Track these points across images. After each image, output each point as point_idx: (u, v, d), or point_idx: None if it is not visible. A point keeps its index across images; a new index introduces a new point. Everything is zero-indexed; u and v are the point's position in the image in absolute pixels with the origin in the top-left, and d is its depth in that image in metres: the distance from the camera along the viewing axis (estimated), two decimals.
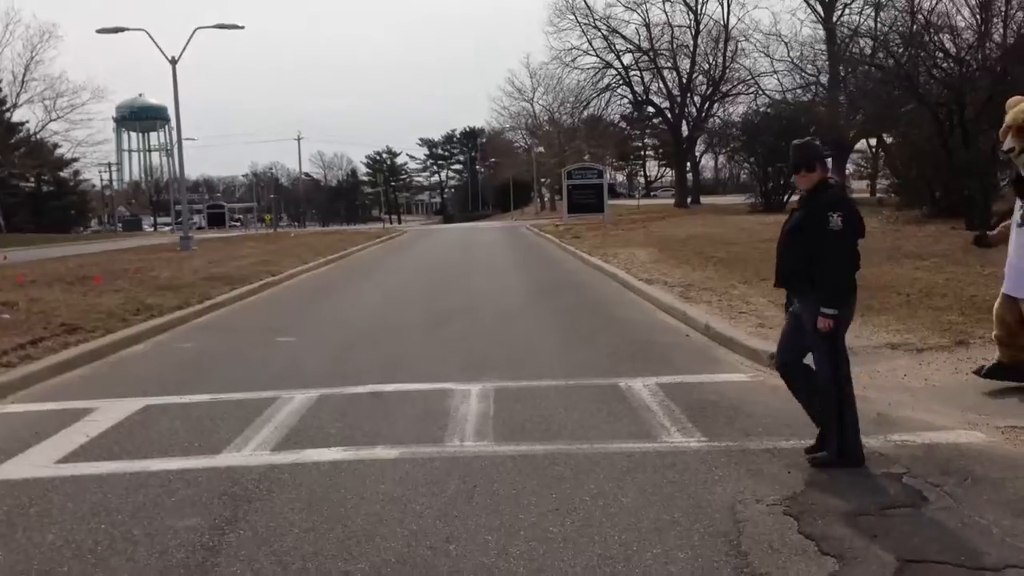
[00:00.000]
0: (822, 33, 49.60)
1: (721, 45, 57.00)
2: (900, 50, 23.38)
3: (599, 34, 58.65)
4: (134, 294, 15.30)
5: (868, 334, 9.15)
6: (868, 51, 35.66)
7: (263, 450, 6.23)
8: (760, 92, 54.44)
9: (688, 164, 64.36)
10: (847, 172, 55.09)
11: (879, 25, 38.11)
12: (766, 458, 5.65)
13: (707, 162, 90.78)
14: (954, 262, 14.21)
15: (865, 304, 10.76)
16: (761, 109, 48.83)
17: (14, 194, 75.82)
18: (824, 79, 48.71)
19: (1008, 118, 6.70)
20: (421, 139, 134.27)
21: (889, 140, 35.83)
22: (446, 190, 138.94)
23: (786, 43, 53.56)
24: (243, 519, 4.90)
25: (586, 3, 58.25)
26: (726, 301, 12.11)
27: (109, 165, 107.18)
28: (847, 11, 49.23)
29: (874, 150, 56.85)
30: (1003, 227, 7.08)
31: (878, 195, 43.86)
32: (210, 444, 6.43)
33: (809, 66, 49.22)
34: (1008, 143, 6.73)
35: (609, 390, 7.73)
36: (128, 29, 31.70)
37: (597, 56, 59.19)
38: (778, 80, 53.48)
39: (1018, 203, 6.78)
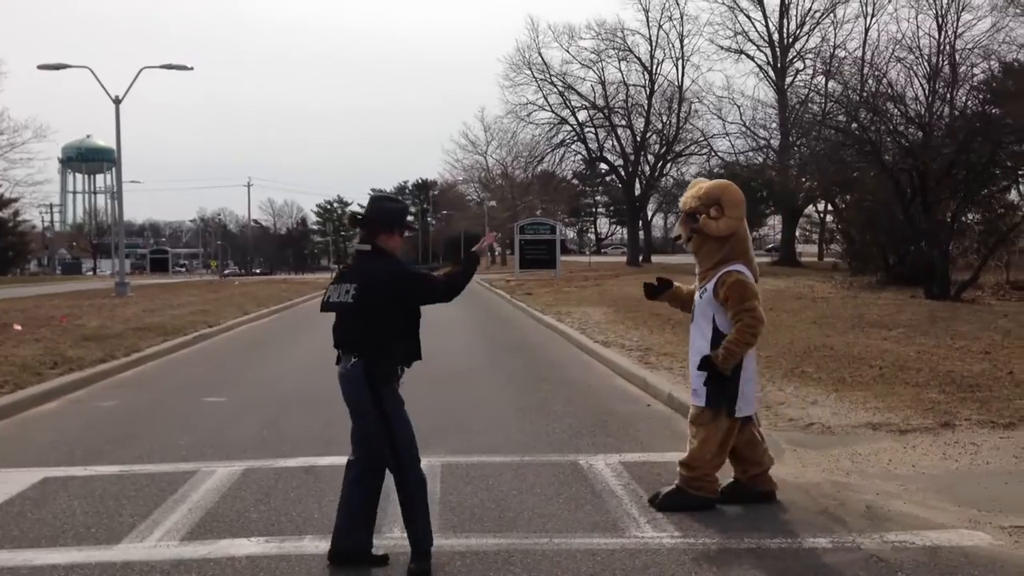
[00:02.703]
0: (773, 97, 50.32)
1: (675, 105, 57.54)
2: (863, 114, 23.39)
3: (555, 90, 58.97)
4: (55, 344, 14.25)
5: (845, 411, 8.55)
6: (819, 116, 36.05)
7: (171, 539, 5.36)
8: (713, 153, 54.92)
9: (640, 222, 64.49)
10: (795, 236, 55.61)
11: (830, 92, 38.68)
12: (751, 561, 4.94)
13: (658, 221, 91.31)
14: (922, 333, 13.80)
15: (838, 377, 10.26)
16: (715, 170, 49.16)
17: None
18: (775, 143, 49.25)
19: (681, 201, 6.28)
20: (373, 189, 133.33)
21: (841, 205, 36.00)
22: None
23: (738, 107, 54.12)
24: None
25: (542, 58, 58.63)
26: (688, 368, 11.45)
27: (51, 206, 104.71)
28: (799, 77, 50.10)
29: (822, 215, 57.60)
30: (678, 289, 6.39)
31: (829, 259, 44.20)
32: (110, 530, 5.54)
33: (761, 130, 49.78)
34: (676, 230, 6.35)
35: (568, 469, 6.99)
36: (71, 66, 30.67)
37: (552, 112, 59.46)
38: (730, 142, 54.03)
39: (697, 295, 6.17)
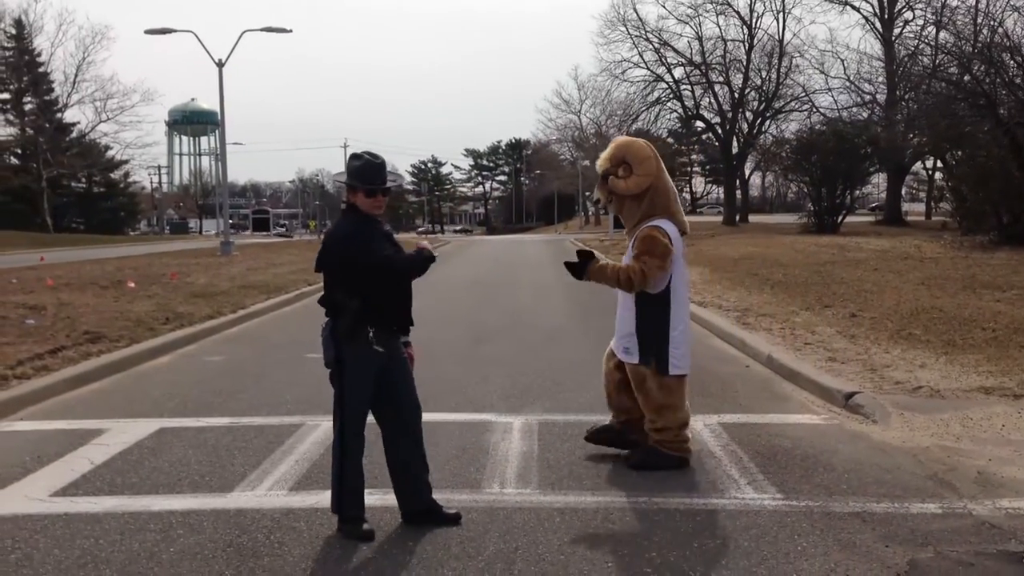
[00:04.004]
0: (879, 50, 48.35)
1: (775, 60, 55.83)
2: (976, 66, 22.29)
3: (650, 47, 57.79)
4: (166, 301, 14.83)
5: (956, 374, 8.26)
6: (930, 69, 34.48)
7: (280, 489, 5.56)
8: (814, 109, 53.20)
9: (737, 181, 63.11)
10: (902, 194, 53.66)
11: (942, 43, 36.90)
12: (856, 525, 4.85)
13: (755, 180, 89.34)
14: None
15: (948, 339, 9.92)
16: (816, 127, 47.62)
17: (65, 194, 76.65)
18: (881, 97, 47.40)
19: (597, 164, 6.13)
20: (467, 150, 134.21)
21: (952, 162, 34.50)
22: (490, 201, 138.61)
23: (842, 60, 52.18)
24: None
25: (638, 15, 57.50)
26: (788, 329, 11.25)
27: (159, 168, 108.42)
28: (907, 28, 47.94)
29: (931, 172, 55.36)
30: (602, 267, 5.98)
31: (938, 218, 42.57)
32: (222, 479, 5.78)
33: (866, 84, 47.91)
34: (596, 194, 6.23)
35: None
36: (176, 31, 31.60)
37: (647, 69, 58.32)
38: (833, 98, 52.21)
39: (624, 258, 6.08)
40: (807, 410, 7.63)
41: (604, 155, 6.07)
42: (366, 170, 4.76)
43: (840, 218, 40.59)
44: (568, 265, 6.04)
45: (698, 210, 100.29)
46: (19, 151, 70.62)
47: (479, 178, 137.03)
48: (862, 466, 5.89)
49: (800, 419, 7.31)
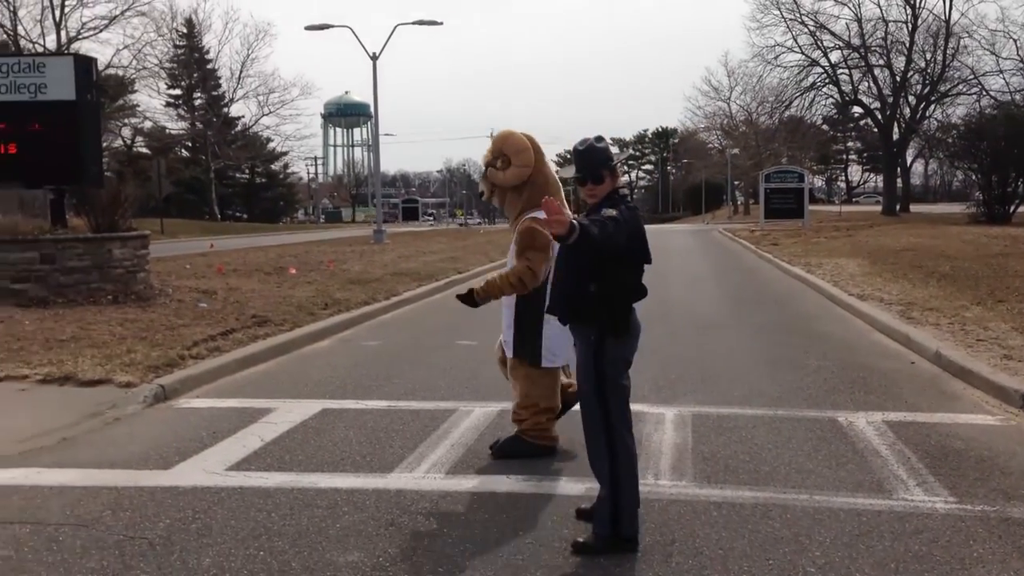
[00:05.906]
0: None
1: (941, 41, 52.86)
2: None
3: (805, 30, 55.76)
4: (324, 287, 15.42)
5: None
6: None
7: (437, 472, 5.69)
8: (984, 92, 50.12)
9: (898, 169, 60.18)
10: None
11: None
12: None
13: (916, 168, 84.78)
14: None
15: None
16: (985, 111, 44.86)
17: (230, 185, 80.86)
18: None
19: (482, 158, 5.94)
20: (612, 139, 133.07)
21: None
22: (636, 190, 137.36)
23: (1015, 40, 48.83)
24: (409, 559, 4.33)
25: None
26: (958, 325, 10.65)
27: (315, 159, 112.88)
28: None
29: None
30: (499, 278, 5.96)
31: None
32: (382, 460, 5.96)
33: None
34: (480, 186, 6.07)
35: (827, 425, 6.72)
36: (334, 26, 32.78)
37: (802, 53, 56.30)
38: (1005, 80, 49.08)
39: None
40: (980, 410, 7.21)
41: (488, 148, 6.13)
42: None
43: (1012, 208, 38.11)
44: (460, 298, 6.08)
45: (854, 200, 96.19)
46: (190, 144, 74.97)
47: (625, 167, 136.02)
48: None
49: (973, 419, 6.91)
